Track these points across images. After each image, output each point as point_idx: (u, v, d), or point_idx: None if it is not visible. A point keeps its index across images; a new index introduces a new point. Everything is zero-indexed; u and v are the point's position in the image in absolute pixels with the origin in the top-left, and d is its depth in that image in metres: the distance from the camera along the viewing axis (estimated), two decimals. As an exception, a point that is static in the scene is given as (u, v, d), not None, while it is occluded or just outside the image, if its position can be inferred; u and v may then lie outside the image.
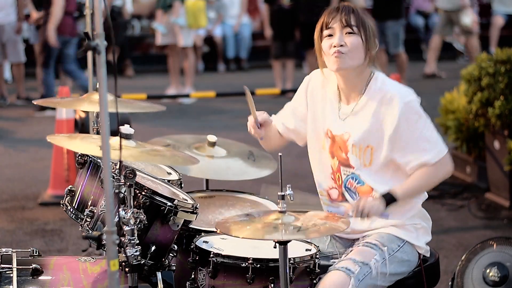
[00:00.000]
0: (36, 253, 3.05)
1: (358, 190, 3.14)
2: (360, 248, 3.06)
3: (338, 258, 3.20)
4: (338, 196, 3.20)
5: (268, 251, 2.93)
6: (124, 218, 2.80)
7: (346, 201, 3.17)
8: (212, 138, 3.96)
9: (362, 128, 3.08)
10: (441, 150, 3.06)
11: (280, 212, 2.77)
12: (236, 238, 2.79)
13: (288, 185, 2.86)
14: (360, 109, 3.10)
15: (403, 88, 3.11)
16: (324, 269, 3.15)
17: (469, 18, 11.74)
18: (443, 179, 3.12)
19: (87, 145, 2.99)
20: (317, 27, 3.12)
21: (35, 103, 3.48)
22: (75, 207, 3.15)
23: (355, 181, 3.14)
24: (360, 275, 2.95)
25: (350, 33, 3.04)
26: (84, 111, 6.20)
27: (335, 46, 3.04)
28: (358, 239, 3.17)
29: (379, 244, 3.06)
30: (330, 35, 3.08)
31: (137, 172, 2.89)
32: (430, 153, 3.03)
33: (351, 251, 3.08)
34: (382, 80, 3.11)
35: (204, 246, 3.07)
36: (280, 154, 2.81)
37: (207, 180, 4.01)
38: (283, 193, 2.77)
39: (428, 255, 3.21)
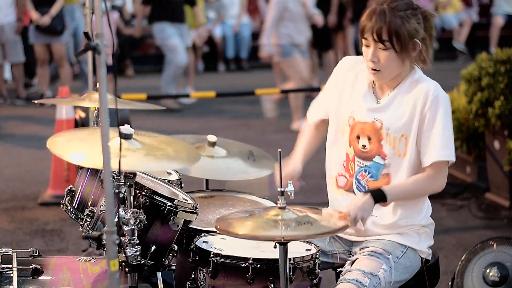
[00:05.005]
0: (36, 253, 3.05)
1: (369, 183, 3.14)
2: (366, 258, 3.04)
3: (337, 257, 3.21)
4: (346, 185, 3.18)
5: (268, 251, 2.93)
6: (124, 218, 2.80)
7: (353, 192, 3.17)
8: (212, 138, 3.96)
9: (396, 117, 3.06)
10: (449, 154, 3.03)
11: (280, 208, 2.77)
12: (236, 238, 2.78)
13: (289, 181, 2.85)
14: (393, 98, 3.09)
15: (438, 84, 3.11)
16: (324, 266, 3.17)
17: None
18: (433, 192, 3.10)
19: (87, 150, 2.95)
20: (359, 26, 3.10)
21: (35, 102, 3.47)
22: (75, 207, 3.15)
23: (368, 174, 3.13)
24: (370, 286, 2.95)
25: (382, 48, 3.01)
26: (84, 111, 6.21)
27: (370, 61, 3.05)
28: (359, 242, 3.17)
29: (384, 252, 3.05)
30: (367, 45, 3.06)
31: (137, 172, 2.89)
32: (439, 150, 3.01)
33: (356, 259, 3.06)
34: (419, 75, 3.11)
35: (204, 246, 3.07)
36: (279, 150, 2.80)
37: (207, 180, 4.01)
38: (282, 189, 2.76)
39: (430, 258, 3.20)
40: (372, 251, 3.06)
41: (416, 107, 3.04)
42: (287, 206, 2.76)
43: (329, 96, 3.27)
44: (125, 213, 2.81)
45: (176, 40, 10.38)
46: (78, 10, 11.19)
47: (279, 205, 2.77)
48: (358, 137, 3.14)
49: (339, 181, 3.21)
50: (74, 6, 11.23)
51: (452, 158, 3.05)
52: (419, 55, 3.09)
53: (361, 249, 3.12)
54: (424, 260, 3.16)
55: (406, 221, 3.11)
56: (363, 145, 3.12)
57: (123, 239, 2.80)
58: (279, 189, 2.76)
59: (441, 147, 3.02)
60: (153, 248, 2.98)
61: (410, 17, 3.02)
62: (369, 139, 3.11)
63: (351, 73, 3.22)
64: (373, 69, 3.05)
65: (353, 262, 3.05)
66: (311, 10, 9.13)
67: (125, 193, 2.85)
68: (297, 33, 9.03)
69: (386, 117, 3.09)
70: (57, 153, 2.89)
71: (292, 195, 2.81)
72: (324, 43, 11.31)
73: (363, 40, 3.06)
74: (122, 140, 2.80)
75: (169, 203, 3.00)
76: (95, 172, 3.11)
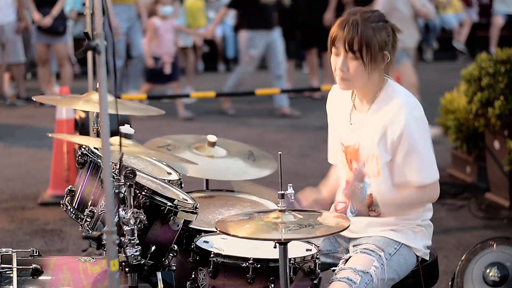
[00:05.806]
0: (36, 253, 3.05)
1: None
2: (358, 255, 3.06)
3: (335, 256, 3.22)
4: (343, 209, 3.22)
5: (268, 251, 2.93)
6: (124, 218, 2.81)
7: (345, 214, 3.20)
8: (212, 138, 3.96)
9: (368, 137, 3.08)
10: (430, 176, 3.05)
11: (280, 211, 2.78)
12: (237, 238, 2.79)
13: (289, 184, 2.86)
14: (369, 117, 3.10)
15: (411, 99, 3.09)
16: (324, 267, 3.17)
17: None
18: (427, 203, 3.16)
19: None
20: (330, 34, 3.09)
21: (34, 99, 3.46)
22: (75, 207, 3.15)
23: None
24: (362, 284, 2.95)
25: (352, 58, 3.02)
26: (84, 111, 6.20)
27: (340, 70, 3.06)
28: (355, 239, 3.18)
29: (377, 249, 3.06)
30: (337, 54, 3.07)
31: (137, 172, 2.89)
32: (419, 175, 3.03)
33: (349, 257, 3.07)
34: (392, 88, 3.10)
35: (204, 246, 3.07)
36: (280, 152, 2.81)
37: (207, 180, 4.01)
38: (283, 192, 2.77)
39: (427, 258, 3.20)
40: (365, 248, 3.08)
41: (387, 130, 3.03)
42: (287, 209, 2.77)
43: (331, 132, 3.31)
44: (125, 213, 2.82)
45: (256, 53, 10.06)
46: (133, 9, 11.01)
47: (279, 208, 2.78)
48: (351, 161, 3.17)
49: (338, 206, 3.25)
50: (131, 6, 11.00)
51: (433, 179, 3.05)
52: (386, 67, 3.10)
53: (354, 246, 3.14)
54: (420, 259, 3.16)
55: (402, 218, 3.12)
56: (355, 168, 3.15)
57: (123, 239, 2.80)
58: (279, 192, 2.77)
59: (420, 170, 3.03)
60: (153, 248, 2.98)
61: (382, 29, 3.04)
62: (356, 160, 3.14)
63: (337, 98, 3.26)
64: (341, 78, 3.07)
65: (347, 260, 3.06)
66: (419, 6, 8.37)
67: (125, 193, 2.85)
68: (407, 36, 8.07)
69: (361, 138, 3.11)
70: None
71: (292, 197, 2.82)
72: (324, 42, 11.30)
73: (333, 48, 3.07)
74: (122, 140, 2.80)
75: (169, 203, 3.00)
76: (95, 172, 3.11)
